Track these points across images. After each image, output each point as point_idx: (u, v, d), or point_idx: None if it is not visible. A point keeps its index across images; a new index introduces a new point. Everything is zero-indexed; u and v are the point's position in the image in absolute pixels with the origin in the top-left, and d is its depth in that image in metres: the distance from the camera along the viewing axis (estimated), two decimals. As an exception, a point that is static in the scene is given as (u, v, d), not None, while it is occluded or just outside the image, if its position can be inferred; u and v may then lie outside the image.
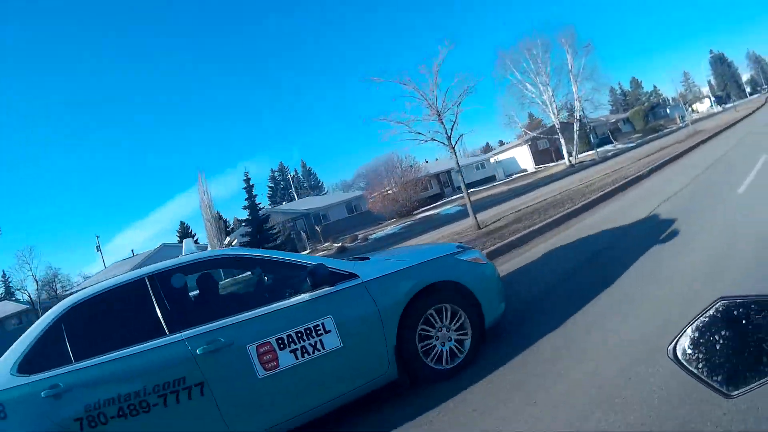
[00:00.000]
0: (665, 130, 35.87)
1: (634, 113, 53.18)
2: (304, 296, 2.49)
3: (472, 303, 2.71)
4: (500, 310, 2.86)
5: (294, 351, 2.40)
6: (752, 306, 0.62)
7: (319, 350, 2.42)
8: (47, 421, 2.25)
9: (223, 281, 5.74)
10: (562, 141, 28.65)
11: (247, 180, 26.86)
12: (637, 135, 42.45)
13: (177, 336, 2.37)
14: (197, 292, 2.85)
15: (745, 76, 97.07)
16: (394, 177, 27.50)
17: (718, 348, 0.63)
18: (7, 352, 2.55)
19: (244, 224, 29.36)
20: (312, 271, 2.46)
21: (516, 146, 40.56)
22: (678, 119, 47.42)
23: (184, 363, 2.31)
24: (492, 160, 43.15)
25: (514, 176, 35.39)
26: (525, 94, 29.10)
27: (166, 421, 2.29)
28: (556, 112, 28.47)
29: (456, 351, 2.68)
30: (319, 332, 2.44)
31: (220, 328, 2.38)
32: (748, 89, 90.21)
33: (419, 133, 9.08)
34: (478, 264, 2.91)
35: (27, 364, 2.37)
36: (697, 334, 0.65)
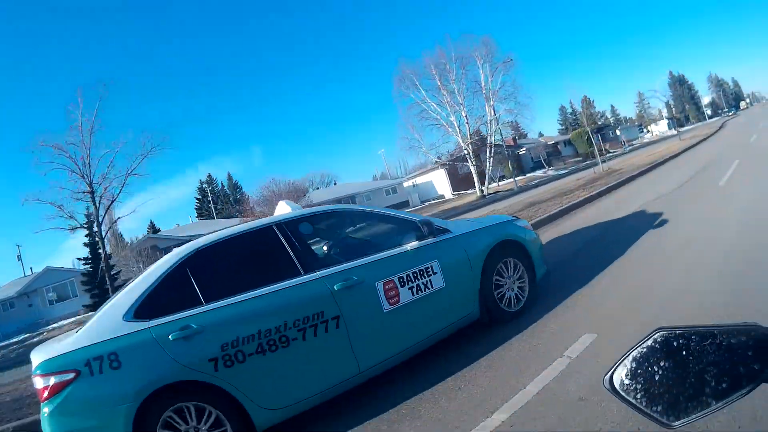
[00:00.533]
0: (606, 155, 31.10)
1: (576, 135, 47.88)
2: (414, 243, 2.87)
3: (528, 259, 3.38)
4: (544, 270, 3.56)
5: (411, 288, 2.75)
6: (693, 337, 0.61)
7: (429, 288, 2.81)
8: (174, 365, 2.20)
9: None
10: (473, 168, 25.28)
11: (88, 215, 17.29)
12: (576, 159, 41.53)
13: (314, 275, 2.54)
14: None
15: (706, 99, 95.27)
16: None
17: (657, 378, 0.62)
18: (115, 300, 2.41)
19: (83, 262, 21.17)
20: (424, 222, 2.88)
21: (433, 169, 36.71)
22: (623, 143, 47.26)
23: (323, 299, 2.49)
24: (407, 183, 39.77)
25: (431, 202, 33.82)
26: (429, 114, 25.52)
27: (302, 354, 2.42)
28: (469, 134, 25.26)
29: (519, 297, 3.30)
30: (429, 273, 2.84)
31: (352, 268, 2.63)
32: (708, 112, 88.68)
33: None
34: (530, 229, 3.62)
35: (145, 310, 2.29)
36: (634, 365, 0.64)
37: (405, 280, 2.74)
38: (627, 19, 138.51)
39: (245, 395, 2.25)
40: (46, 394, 2.12)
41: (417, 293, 2.76)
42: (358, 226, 3.23)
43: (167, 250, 2.80)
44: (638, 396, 0.62)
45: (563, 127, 79.31)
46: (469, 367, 2.69)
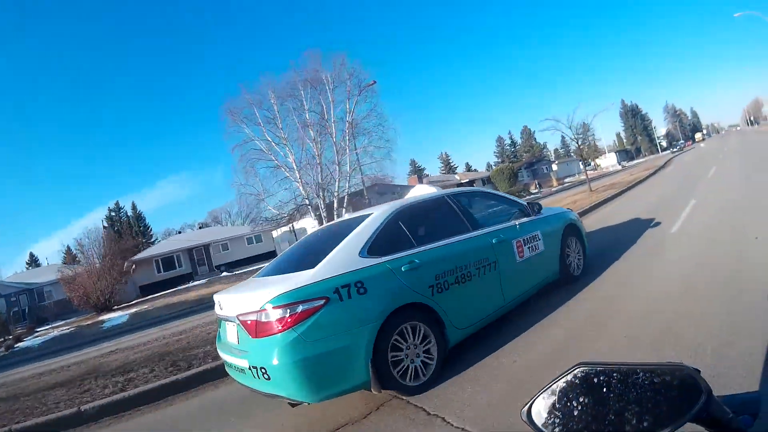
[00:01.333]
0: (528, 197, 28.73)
1: (496, 172, 42.33)
2: (527, 218, 4.01)
3: (580, 238, 4.67)
4: (588, 249, 4.87)
5: (529, 247, 3.84)
6: (614, 374, 0.60)
7: (537, 249, 3.92)
8: (406, 290, 2.92)
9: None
10: (323, 220, 17.99)
11: None
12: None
13: (479, 232, 3.51)
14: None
15: (663, 130, 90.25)
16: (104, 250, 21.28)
17: (575, 414, 0.61)
18: (344, 243, 3.00)
19: None
20: (531, 204, 4.06)
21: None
22: (554, 180, 41.74)
23: (487, 248, 3.46)
24: (277, 233, 31.61)
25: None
26: (265, 153, 18.69)
27: (477, 287, 3.33)
28: (320, 178, 18.63)
29: (578, 264, 4.53)
30: (536, 239, 3.95)
31: (499, 230, 3.66)
32: (663, 143, 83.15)
33: None
34: (578, 218, 4.95)
35: (374, 250, 3.02)
36: (554, 399, 0.63)
37: (525, 241, 3.83)
38: (580, 48, 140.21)
39: (447, 315, 3.04)
40: (289, 321, 2.46)
41: (532, 252, 3.85)
42: (490, 203, 4.29)
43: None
44: (555, 430, 0.61)
45: (500, 160, 75.31)
46: (564, 305, 3.80)
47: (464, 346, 3.30)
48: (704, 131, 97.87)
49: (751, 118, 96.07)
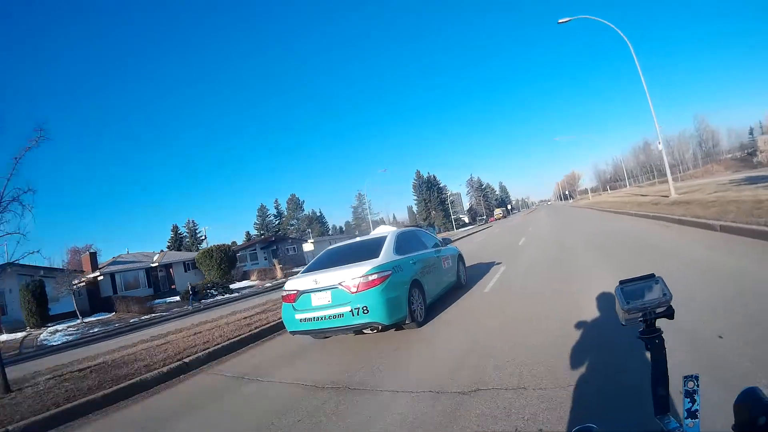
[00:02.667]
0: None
1: (203, 255, 32.82)
2: (442, 247, 7.31)
3: (464, 263, 8.26)
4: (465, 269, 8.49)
5: (446, 261, 7.12)
6: None
7: (449, 264, 7.23)
8: (415, 271, 5.79)
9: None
10: None
11: None
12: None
13: (430, 249, 6.61)
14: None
15: (467, 204, 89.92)
16: None
17: None
18: (386, 246, 5.65)
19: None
20: (444, 240, 7.46)
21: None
22: (278, 270, 34.68)
23: (435, 258, 6.58)
24: None
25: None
26: None
27: (434, 275, 6.34)
28: None
29: (464, 278, 8.01)
30: (449, 259, 7.29)
31: (436, 250, 6.83)
32: (465, 218, 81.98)
33: None
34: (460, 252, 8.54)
35: (397, 251, 5.73)
36: None
37: (445, 258, 7.10)
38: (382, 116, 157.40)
39: (426, 287, 5.88)
40: (378, 281, 4.86)
41: (447, 265, 7.12)
42: (429, 236, 7.32)
43: None
44: None
45: (260, 233, 66.38)
46: (461, 297, 7.12)
47: (431, 309, 6.11)
48: (508, 206, 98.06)
49: (566, 192, 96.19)
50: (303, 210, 73.98)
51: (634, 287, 0.94)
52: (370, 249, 5.59)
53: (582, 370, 3.03)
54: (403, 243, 6.01)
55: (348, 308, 4.83)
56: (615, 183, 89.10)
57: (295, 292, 5.27)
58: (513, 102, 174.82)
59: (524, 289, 6.47)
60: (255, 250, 46.00)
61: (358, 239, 6.71)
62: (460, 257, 8.05)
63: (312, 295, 5.15)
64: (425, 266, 6.09)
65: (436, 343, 4.63)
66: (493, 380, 3.18)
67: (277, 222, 72.34)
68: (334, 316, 4.90)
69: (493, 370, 3.36)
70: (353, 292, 4.87)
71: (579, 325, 3.98)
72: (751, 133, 76.01)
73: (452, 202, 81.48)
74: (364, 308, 4.78)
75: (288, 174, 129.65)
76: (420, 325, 5.37)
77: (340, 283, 4.97)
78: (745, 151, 70.13)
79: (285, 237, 53.78)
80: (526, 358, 3.47)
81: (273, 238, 49.13)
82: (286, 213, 73.66)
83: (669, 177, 18.95)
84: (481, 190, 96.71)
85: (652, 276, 0.96)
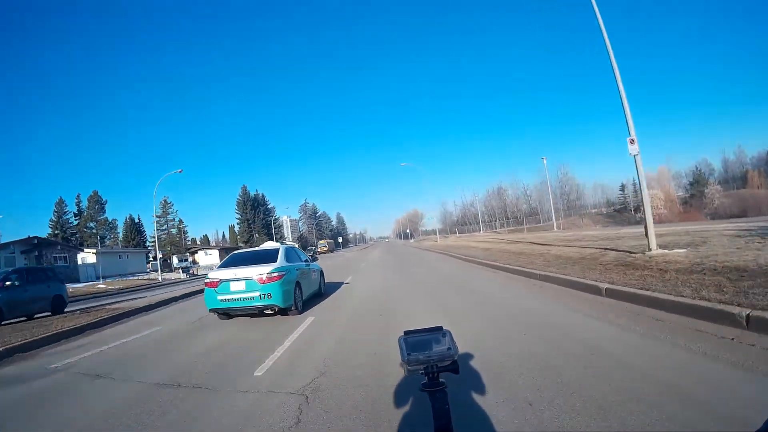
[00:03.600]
0: None
1: None
2: (311, 262, 9.98)
3: (323, 277, 10.99)
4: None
5: (314, 273, 9.77)
6: None
7: (315, 275, 9.86)
8: (297, 275, 8.21)
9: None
10: None
11: None
12: None
13: (302, 262, 9.14)
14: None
15: (300, 231, 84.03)
16: None
17: None
18: (280, 255, 7.98)
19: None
20: (312, 256, 10.16)
21: None
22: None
23: (306, 268, 9.15)
24: None
25: None
26: None
27: (306, 281, 8.86)
28: None
29: (324, 288, 10.71)
30: (315, 271, 9.93)
31: (308, 264, 9.44)
32: (296, 245, 52.88)
33: None
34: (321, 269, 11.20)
35: (287, 259, 8.18)
36: None
37: (312, 270, 9.73)
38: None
39: (302, 287, 8.30)
40: (276, 277, 7.11)
41: (313, 276, 9.74)
42: (301, 253, 9.69)
43: None
44: None
45: (54, 233, 55.21)
46: (320, 302, 9.88)
47: (306, 305, 8.57)
48: (340, 239, 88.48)
49: (407, 231, 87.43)
50: (105, 212, 61.08)
51: (419, 338, 0.93)
52: (270, 256, 7.82)
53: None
54: (290, 255, 8.42)
55: (258, 293, 6.92)
56: (463, 226, 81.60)
57: (218, 280, 7.06)
58: (361, 128, 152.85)
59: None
60: (13, 253, 35.95)
61: (256, 248, 9.13)
62: (322, 273, 10.77)
63: (231, 283, 7.01)
64: (301, 273, 8.55)
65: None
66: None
67: (76, 222, 59.17)
68: (247, 299, 6.89)
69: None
70: (262, 283, 6.99)
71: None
72: (622, 189, 67.46)
73: (279, 226, 73.33)
74: (268, 294, 6.96)
75: (91, 165, 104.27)
76: (300, 313, 7.80)
77: (251, 277, 7.03)
78: (612, 208, 67.50)
79: (55, 242, 44.39)
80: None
81: (36, 241, 38.63)
82: (85, 213, 59.96)
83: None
84: (315, 217, 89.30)
85: (439, 328, 0.95)
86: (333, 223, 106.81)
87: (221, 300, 7.11)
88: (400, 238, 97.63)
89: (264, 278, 7.05)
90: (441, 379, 0.90)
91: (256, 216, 70.65)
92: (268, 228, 70.18)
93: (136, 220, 65.92)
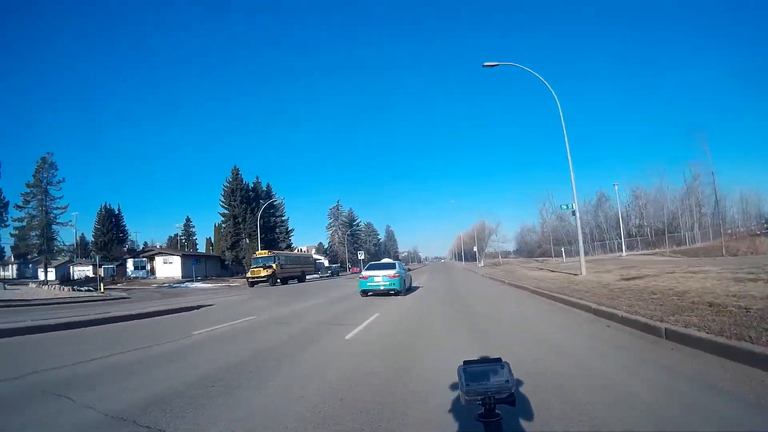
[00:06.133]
0: None
1: None
2: (405, 270, 16.58)
3: (409, 277, 17.49)
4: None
5: (407, 274, 16.44)
6: None
7: (408, 278, 16.54)
8: (403, 276, 14.97)
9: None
10: None
11: None
12: None
13: (404, 270, 15.82)
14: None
15: (328, 241, 73.29)
16: None
17: None
18: (398, 264, 14.71)
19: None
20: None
21: None
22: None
23: (406, 273, 15.95)
24: None
25: None
26: None
27: (407, 279, 15.67)
28: None
29: (409, 285, 17.18)
30: (409, 273, 16.79)
31: (405, 270, 16.20)
32: (325, 263, 54.51)
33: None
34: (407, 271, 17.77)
35: (400, 268, 14.83)
36: None
37: (407, 274, 16.39)
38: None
39: (405, 283, 15.04)
40: (398, 276, 13.89)
41: (407, 276, 16.35)
42: (401, 264, 16.26)
43: None
44: None
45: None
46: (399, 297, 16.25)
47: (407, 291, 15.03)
48: (391, 259, 60.51)
49: (473, 249, 61.82)
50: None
51: (478, 369, 0.94)
52: (393, 265, 14.54)
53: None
54: (400, 266, 15.08)
55: (389, 283, 13.60)
56: (536, 249, 62.84)
57: (367, 275, 13.79)
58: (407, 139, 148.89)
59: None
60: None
61: (384, 261, 15.84)
62: (408, 274, 17.22)
63: (374, 277, 13.74)
64: (406, 275, 15.12)
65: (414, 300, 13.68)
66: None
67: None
68: (383, 286, 13.59)
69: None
70: (390, 278, 13.65)
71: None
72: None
73: (288, 232, 48.24)
74: (393, 284, 13.63)
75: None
76: (405, 295, 14.23)
77: (385, 275, 13.70)
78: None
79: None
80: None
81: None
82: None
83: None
84: (349, 225, 66.73)
85: (498, 360, 0.95)
86: (380, 237, 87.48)
87: (369, 286, 13.73)
88: (459, 259, 77.71)
89: (391, 275, 13.73)
90: (497, 410, 0.91)
91: (247, 213, 43.89)
92: (271, 231, 44.28)
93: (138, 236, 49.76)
